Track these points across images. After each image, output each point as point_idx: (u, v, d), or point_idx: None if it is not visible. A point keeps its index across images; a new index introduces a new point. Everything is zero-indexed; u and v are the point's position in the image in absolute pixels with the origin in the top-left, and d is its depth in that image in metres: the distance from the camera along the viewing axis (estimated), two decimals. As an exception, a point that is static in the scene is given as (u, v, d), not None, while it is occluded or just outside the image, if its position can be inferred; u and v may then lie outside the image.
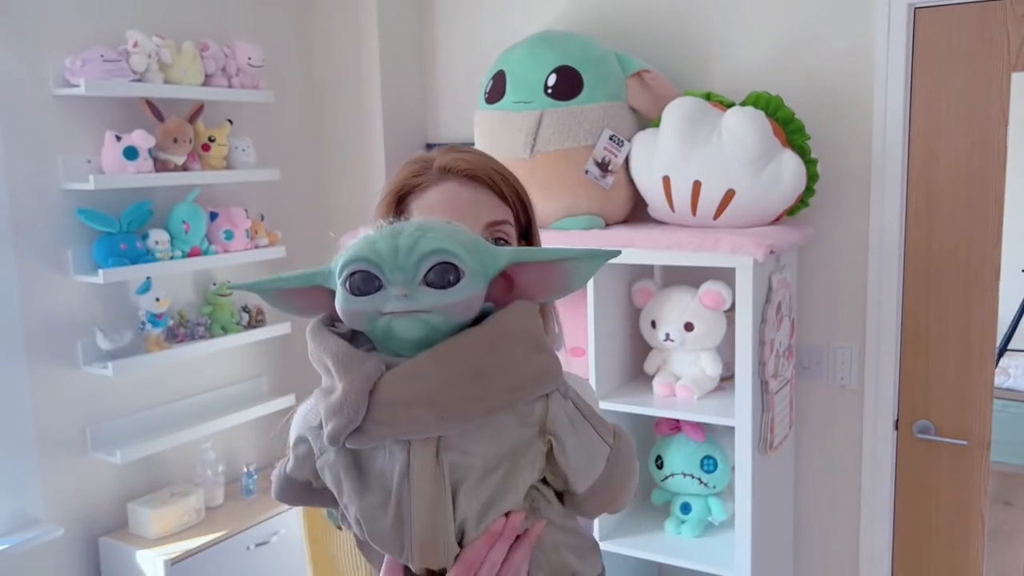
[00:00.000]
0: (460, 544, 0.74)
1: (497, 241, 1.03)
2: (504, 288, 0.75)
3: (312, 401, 1.04)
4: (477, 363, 0.70)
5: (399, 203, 1.05)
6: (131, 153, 2.29)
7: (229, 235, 2.57)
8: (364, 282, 0.70)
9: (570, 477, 0.76)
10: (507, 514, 0.74)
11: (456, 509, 0.72)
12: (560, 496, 0.79)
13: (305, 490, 0.80)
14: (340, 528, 0.83)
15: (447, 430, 0.70)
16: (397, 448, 0.71)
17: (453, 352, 0.70)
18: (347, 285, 0.71)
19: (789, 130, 2.18)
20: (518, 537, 0.76)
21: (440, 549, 0.72)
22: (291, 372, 2.94)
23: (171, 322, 2.50)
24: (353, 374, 0.70)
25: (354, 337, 0.76)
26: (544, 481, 0.77)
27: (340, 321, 0.75)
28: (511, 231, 1.06)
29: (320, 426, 0.74)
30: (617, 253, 0.76)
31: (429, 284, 0.69)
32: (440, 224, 0.73)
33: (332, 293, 0.75)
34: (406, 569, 0.76)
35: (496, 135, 2.34)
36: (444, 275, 0.69)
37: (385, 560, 0.77)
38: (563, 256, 0.74)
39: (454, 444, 0.71)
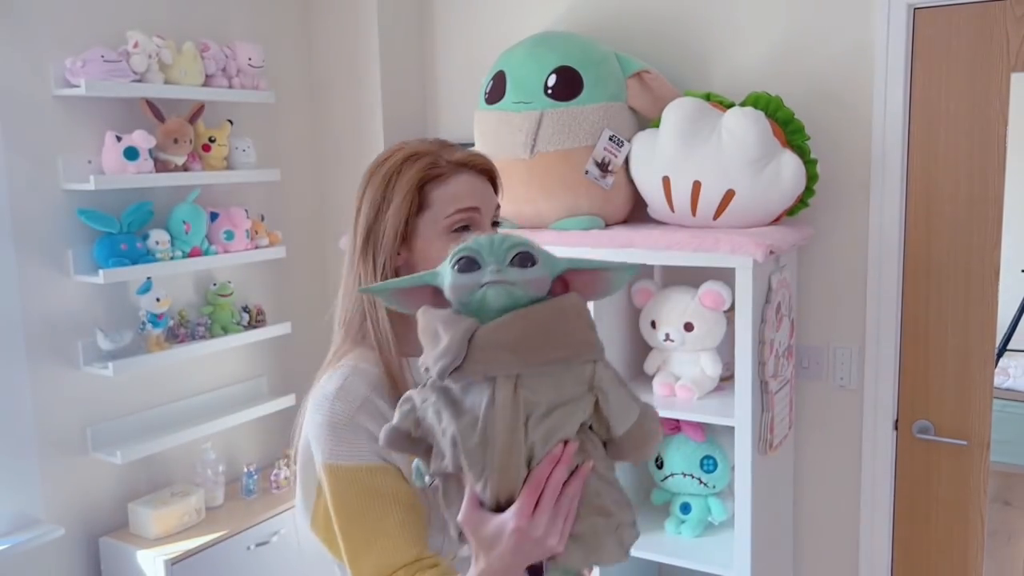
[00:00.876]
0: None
1: (495, 223, 1.27)
2: (561, 289, 0.98)
3: (327, 394, 1.13)
4: (546, 324, 0.94)
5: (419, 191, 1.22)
6: (131, 153, 2.30)
7: (229, 235, 2.58)
8: (468, 265, 0.95)
9: (612, 423, 0.98)
10: (565, 443, 0.95)
11: (526, 434, 0.93)
12: (604, 446, 1.01)
13: (406, 438, 0.99)
14: (423, 485, 1.02)
15: (522, 369, 0.93)
16: (485, 386, 0.94)
17: (529, 315, 0.93)
18: (456, 267, 0.96)
19: (789, 130, 2.18)
20: (572, 473, 0.95)
21: (514, 467, 0.94)
22: (291, 372, 2.95)
23: (171, 322, 2.50)
24: (456, 328, 0.93)
25: None
26: (591, 430, 0.99)
27: (440, 309, 0.99)
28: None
29: (421, 388, 0.99)
30: (643, 267, 1.00)
31: (516, 265, 0.94)
32: (518, 234, 0.98)
33: (435, 290, 1.00)
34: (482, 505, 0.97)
35: (496, 135, 2.34)
36: (525, 260, 0.95)
37: (467, 495, 0.96)
38: (607, 267, 0.99)
39: (526, 384, 0.93)
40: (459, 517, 0.98)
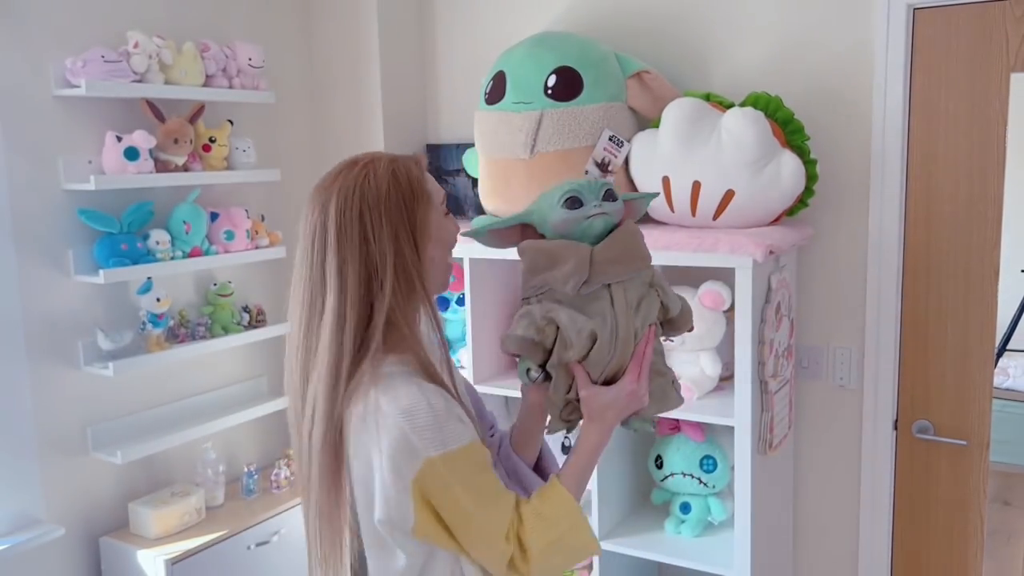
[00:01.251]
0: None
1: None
2: None
3: (415, 396, 1.22)
4: (632, 242, 1.34)
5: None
6: (132, 154, 2.30)
7: (230, 235, 2.58)
8: (574, 202, 1.30)
9: (671, 306, 1.38)
10: (650, 326, 1.36)
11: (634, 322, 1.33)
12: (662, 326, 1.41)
13: (529, 343, 1.31)
14: (527, 382, 1.37)
15: (626, 276, 1.31)
16: (603, 292, 1.30)
17: (621, 236, 1.32)
18: (564, 204, 1.30)
19: (788, 130, 2.18)
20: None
21: (630, 347, 1.32)
22: (291, 372, 2.94)
23: (172, 322, 2.50)
24: (578, 252, 1.29)
25: None
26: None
27: (540, 240, 1.35)
28: None
29: (534, 305, 1.33)
30: (657, 195, 1.64)
31: (606, 200, 1.31)
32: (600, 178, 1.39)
33: (528, 228, 1.36)
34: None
35: (496, 135, 2.34)
36: (612, 195, 1.33)
37: (580, 377, 1.32)
38: (635, 197, 1.43)
39: (627, 287, 1.32)
40: (581, 392, 1.32)
